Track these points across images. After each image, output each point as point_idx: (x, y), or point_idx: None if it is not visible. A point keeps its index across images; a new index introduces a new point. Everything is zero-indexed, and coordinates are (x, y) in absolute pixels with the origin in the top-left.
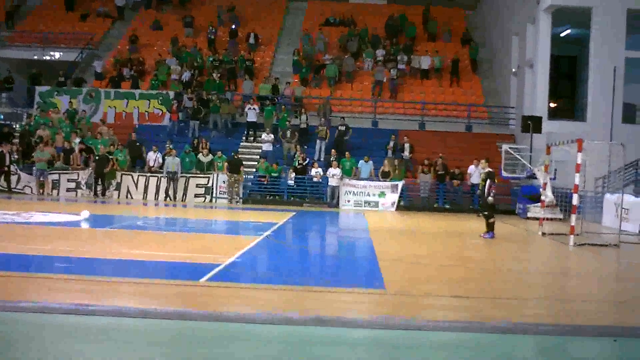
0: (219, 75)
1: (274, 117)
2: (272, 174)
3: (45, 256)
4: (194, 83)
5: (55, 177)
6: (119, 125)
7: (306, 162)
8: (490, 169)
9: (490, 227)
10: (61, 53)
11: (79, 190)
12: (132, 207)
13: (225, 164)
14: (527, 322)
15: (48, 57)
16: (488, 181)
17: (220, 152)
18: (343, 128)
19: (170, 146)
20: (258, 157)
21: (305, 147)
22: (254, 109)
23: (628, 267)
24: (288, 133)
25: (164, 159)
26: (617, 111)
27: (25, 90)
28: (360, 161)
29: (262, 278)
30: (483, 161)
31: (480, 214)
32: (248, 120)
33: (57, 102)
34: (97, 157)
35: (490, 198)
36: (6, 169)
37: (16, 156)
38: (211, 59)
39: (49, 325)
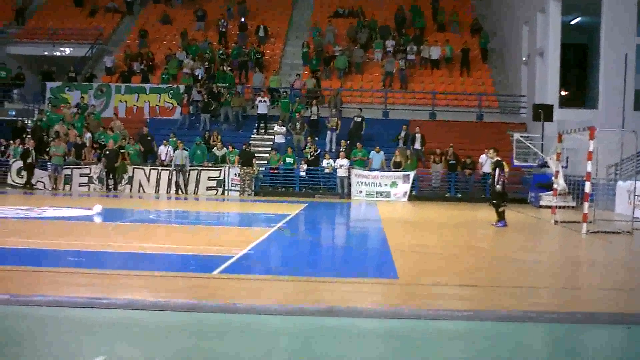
0: (229, 68)
1: (290, 109)
2: (287, 159)
3: (58, 250)
4: (204, 76)
5: (68, 172)
6: (130, 119)
7: (318, 153)
8: (498, 158)
9: (500, 216)
10: (71, 49)
11: (91, 185)
12: (144, 200)
13: (237, 157)
14: (539, 310)
15: (58, 53)
16: (497, 170)
17: (231, 147)
18: (359, 119)
19: (174, 138)
20: (269, 149)
21: (317, 138)
22: (264, 101)
23: None
24: (298, 125)
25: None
26: (628, 99)
27: (36, 86)
28: (372, 152)
29: (274, 270)
30: (491, 150)
31: (490, 203)
32: (259, 112)
33: (68, 98)
34: (107, 152)
35: (498, 186)
36: (29, 163)
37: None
38: (220, 52)
39: (61, 318)
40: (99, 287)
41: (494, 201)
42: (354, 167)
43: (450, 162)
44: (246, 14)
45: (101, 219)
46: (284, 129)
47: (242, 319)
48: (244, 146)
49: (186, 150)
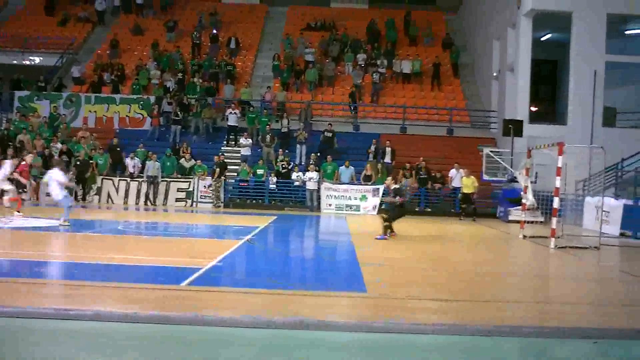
0: (200, 79)
1: (256, 123)
2: (258, 171)
3: (25, 261)
4: (175, 88)
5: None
6: (100, 130)
7: (291, 166)
8: (396, 186)
9: (385, 230)
10: (41, 58)
11: None
12: (113, 211)
13: (218, 169)
14: (508, 324)
15: (28, 62)
16: (397, 197)
17: (200, 161)
18: (330, 134)
19: (143, 149)
20: (239, 161)
21: (287, 151)
22: (234, 113)
23: (608, 270)
24: (268, 137)
25: (143, 164)
26: (597, 115)
27: (5, 95)
28: (341, 167)
29: (243, 282)
30: (388, 179)
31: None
32: (229, 124)
33: (37, 107)
34: (77, 162)
35: (397, 199)
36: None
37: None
38: (193, 62)
39: (29, 329)
40: (67, 298)
41: (384, 215)
42: (324, 180)
43: (422, 176)
44: (218, 26)
45: (69, 230)
46: (250, 141)
47: (211, 331)
48: (221, 157)
49: (157, 162)
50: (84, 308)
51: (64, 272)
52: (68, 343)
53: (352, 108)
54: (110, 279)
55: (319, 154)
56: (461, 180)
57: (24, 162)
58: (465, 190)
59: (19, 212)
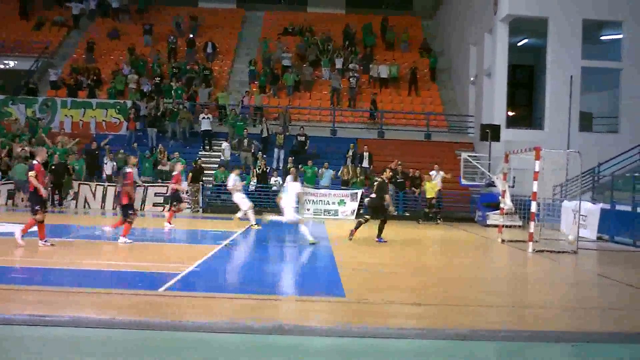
0: (177, 83)
1: (235, 128)
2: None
3: (0, 267)
4: (151, 89)
5: (11, 186)
6: (76, 134)
7: (268, 170)
8: (381, 179)
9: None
10: (16, 62)
11: None
12: (90, 216)
13: (190, 174)
14: (487, 328)
15: (2, 66)
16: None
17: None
18: (302, 138)
19: (122, 156)
20: (217, 165)
21: (264, 156)
22: (208, 117)
23: (586, 273)
24: (245, 142)
25: (119, 168)
26: (574, 119)
27: None
28: (321, 169)
29: (221, 287)
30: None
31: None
32: (202, 129)
33: (12, 111)
34: (52, 167)
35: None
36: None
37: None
38: (173, 66)
39: (4, 337)
40: (44, 304)
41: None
42: (303, 185)
43: (399, 180)
44: (196, 31)
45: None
46: (229, 145)
47: (189, 336)
48: (194, 163)
49: (135, 168)
50: (61, 314)
51: (40, 278)
52: (44, 350)
53: (372, 115)
54: (88, 285)
55: (292, 158)
56: (439, 180)
57: (175, 172)
58: (427, 195)
59: (169, 222)
